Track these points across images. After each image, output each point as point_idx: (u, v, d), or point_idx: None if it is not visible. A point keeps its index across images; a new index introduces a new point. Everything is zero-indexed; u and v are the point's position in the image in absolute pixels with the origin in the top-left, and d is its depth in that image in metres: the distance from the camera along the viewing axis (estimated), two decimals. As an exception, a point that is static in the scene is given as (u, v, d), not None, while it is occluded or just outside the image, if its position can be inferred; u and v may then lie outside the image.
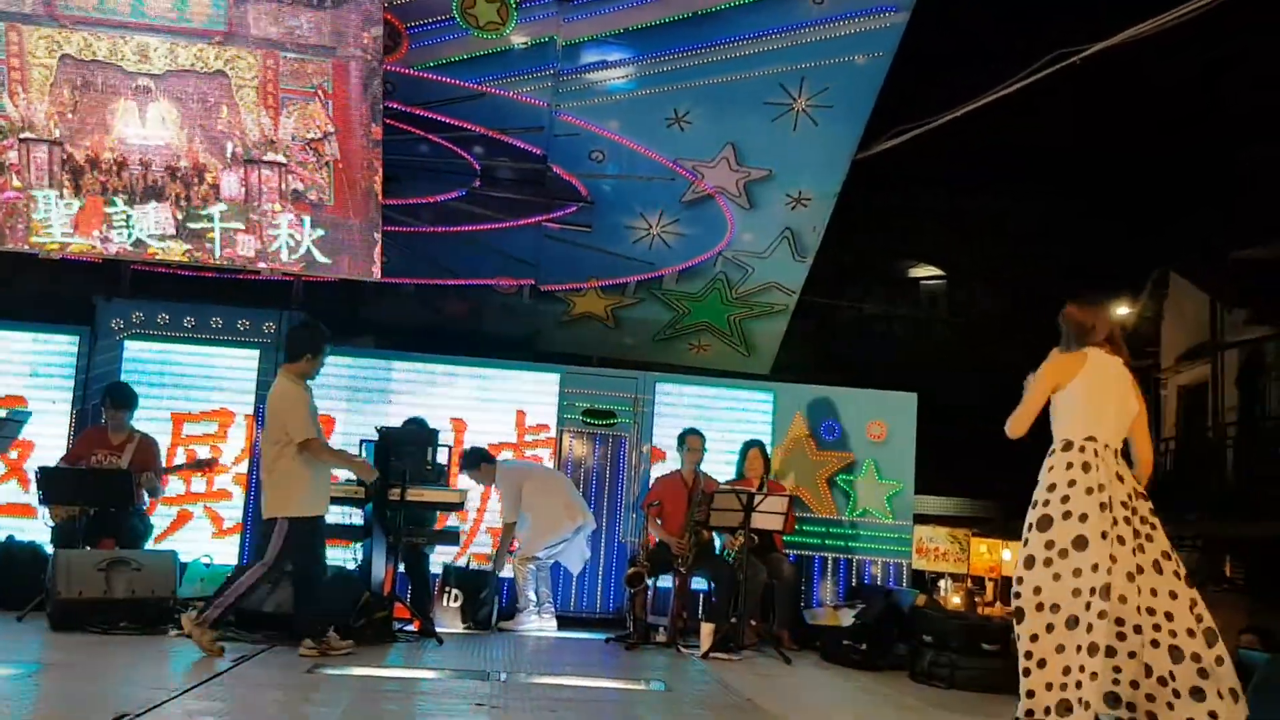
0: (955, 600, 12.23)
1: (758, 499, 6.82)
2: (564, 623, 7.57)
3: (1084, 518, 4.05)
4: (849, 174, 8.25)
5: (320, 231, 7.68)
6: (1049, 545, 4.10)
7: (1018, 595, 4.15)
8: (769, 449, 7.94)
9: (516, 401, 8.13)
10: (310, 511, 5.64)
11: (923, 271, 16.34)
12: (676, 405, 8.40)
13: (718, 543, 7.24)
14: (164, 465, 7.12)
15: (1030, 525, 4.18)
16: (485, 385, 8.20)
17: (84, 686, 4.44)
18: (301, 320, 6.62)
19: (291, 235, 7.75)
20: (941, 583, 12.95)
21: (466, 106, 7.86)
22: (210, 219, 7.71)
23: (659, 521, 7.29)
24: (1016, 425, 4.32)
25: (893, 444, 8.40)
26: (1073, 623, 3.97)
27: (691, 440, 7.47)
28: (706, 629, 6.53)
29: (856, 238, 8.87)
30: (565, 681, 5.37)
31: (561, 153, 8.20)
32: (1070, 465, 4.15)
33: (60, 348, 7.87)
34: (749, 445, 7.66)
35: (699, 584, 7.35)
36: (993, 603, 12.42)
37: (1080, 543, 4.02)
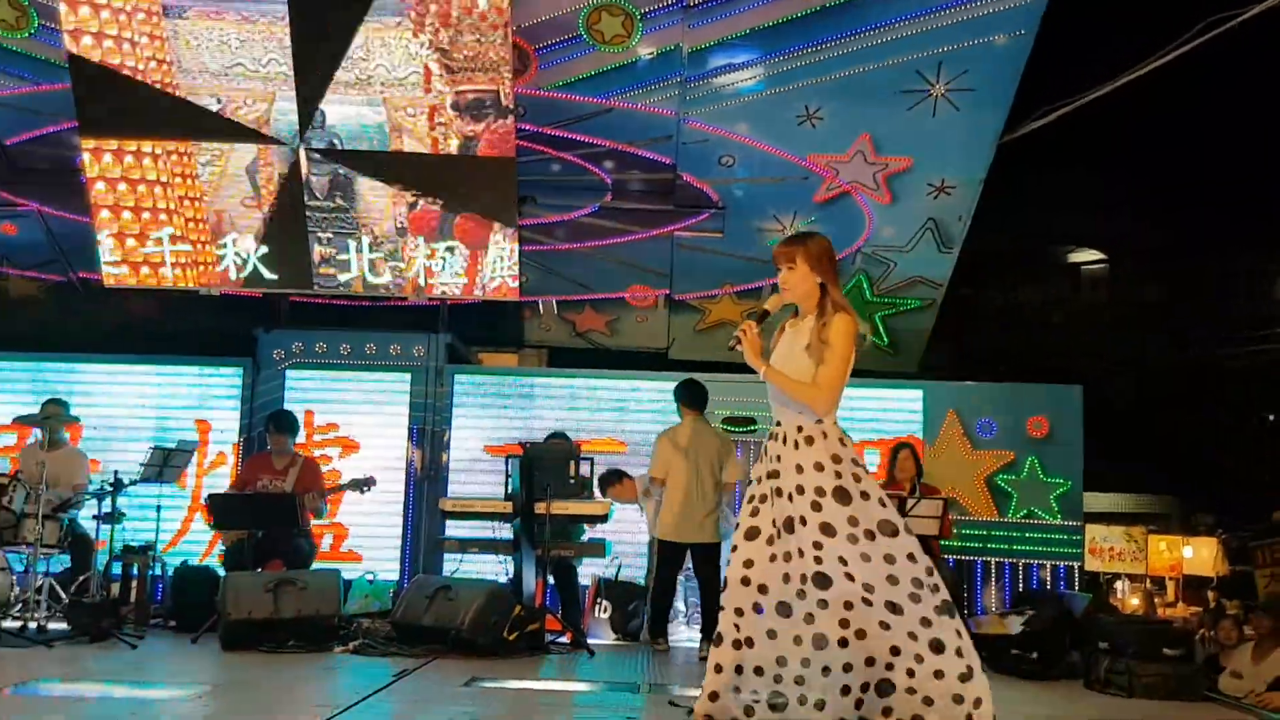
0: (1133, 602, 11.54)
1: (910, 503, 6.57)
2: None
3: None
4: (995, 158, 7.90)
5: (458, 257, 7.89)
6: None
7: None
8: (920, 450, 7.65)
9: (656, 412, 8.08)
10: None
11: (1081, 256, 15.56)
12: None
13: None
14: (325, 487, 7.37)
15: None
16: (625, 397, 8.20)
17: (254, 705, 4.60)
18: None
19: (430, 263, 8.02)
20: (1118, 584, 12.25)
21: (595, 122, 7.91)
22: (360, 250, 8.04)
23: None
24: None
25: (1056, 440, 7.98)
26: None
27: None
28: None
29: (1007, 224, 8.47)
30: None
31: (691, 160, 8.15)
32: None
33: (228, 380, 8.28)
34: (900, 448, 7.39)
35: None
36: (1174, 603, 11.68)
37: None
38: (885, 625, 3.40)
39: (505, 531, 6.78)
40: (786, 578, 3.46)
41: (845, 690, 3.42)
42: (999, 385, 8.20)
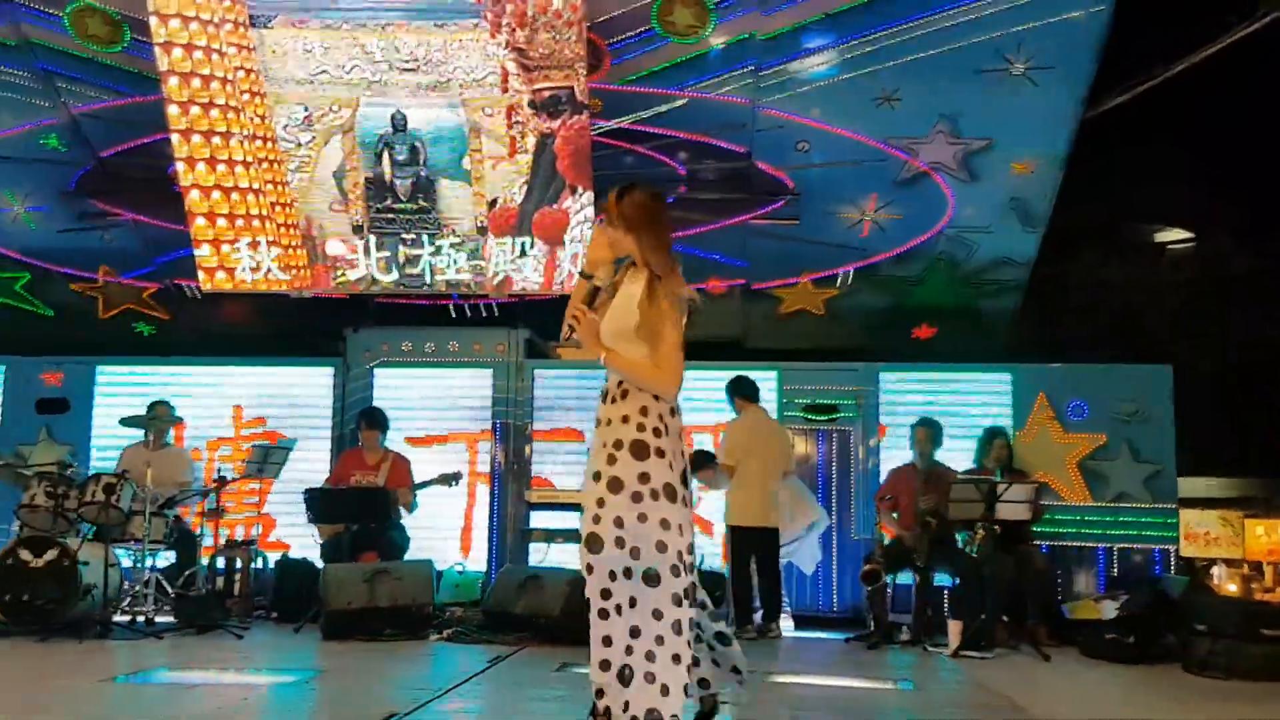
0: (1230, 588, 11.22)
1: (1000, 488, 6.50)
2: (799, 622, 7.47)
3: None
4: (1078, 134, 7.74)
5: (535, 254, 8.01)
6: None
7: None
8: (1010, 433, 7.55)
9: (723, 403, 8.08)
10: None
11: (1168, 235, 15.11)
12: (904, 394, 8.13)
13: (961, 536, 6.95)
14: (416, 481, 7.53)
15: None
16: (701, 387, 8.22)
17: (356, 690, 4.76)
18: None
19: (511, 261, 8.16)
20: (1215, 570, 11.91)
21: (670, 114, 7.94)
22: (440, 249, 8.21)
23: (894, 516, 7.08)
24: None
25: (1148, 422, 7.81)
26: None
27: (920, 430, 7.21)
28: (954, 626, 6.27)
29: (1092, 202, 8.27)
30: (808, 681, 5.29)
31: (765, 147, 8.13)
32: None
33: (318, 379, 8.52)
34: (990, 433, 7.32)
35: (942, 580, 7.07)
36: (1272, 589, 11.32)
37: None
38: (633, 601, 3.18)
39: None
40: (581, 536, 3.28)
41: (604, 665, 3.22)
42: (1088, 366, 8.04)
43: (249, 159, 7.96)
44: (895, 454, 7.76)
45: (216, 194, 8.04)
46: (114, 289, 9.11)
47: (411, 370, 8.46)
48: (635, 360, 3.32)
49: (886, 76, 7.50)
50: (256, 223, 8.15)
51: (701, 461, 7.30)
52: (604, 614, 3.20)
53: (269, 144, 7.94)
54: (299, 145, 7.95)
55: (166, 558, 7.12)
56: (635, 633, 3.17)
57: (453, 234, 8.18)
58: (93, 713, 4.17)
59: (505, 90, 7.61)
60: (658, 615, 3.16)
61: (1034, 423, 7.90)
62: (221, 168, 7.96)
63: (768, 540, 7.01)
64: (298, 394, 8.53)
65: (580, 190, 7.95)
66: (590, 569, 3.22)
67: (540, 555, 7.42)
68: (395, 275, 8.32)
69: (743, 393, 7.31)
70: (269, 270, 8.29)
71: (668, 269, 3.36)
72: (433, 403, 8.40)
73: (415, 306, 8.85)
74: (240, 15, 7.48)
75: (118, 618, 6.39)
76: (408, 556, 7.17)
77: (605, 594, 3.19)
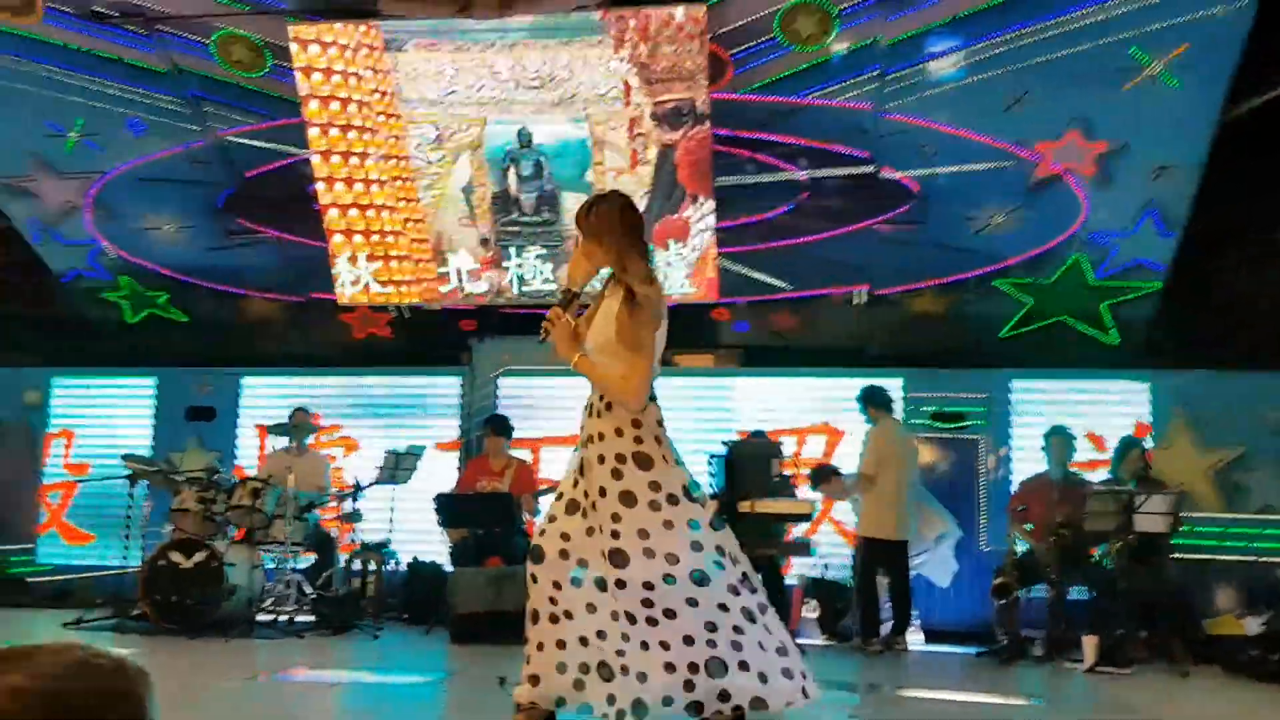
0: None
1: (1139, 499, 6.27)
2: (929, 636, 7.33)
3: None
4: (1218, 136, 7.41)
5: (656, 262, 8.05)
6: None
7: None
8: (1147, 442, 7.27)
9: (857, 410, 7.98)
10: None
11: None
12: (1035, 403, 7.91)
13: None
14: (539, 487, 7.67)
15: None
16: (824, 395, 8.16)
17: (481, 694, 4.88)
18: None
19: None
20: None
21: (791, 121, 7.92)
22: (565, 261, 8.34)
23: (1027, 528, 6.89)
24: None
25: (1294, 430, 7.41)
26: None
27: (1055, 440, 7.00)
28: (1089, 642, 6.07)
29: (1233, 205, 7.88)
30: (938, 696, 5.19)
31: (889, 153, 8.02)
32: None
33: (447, 389, 8.77)
34: (1126, 442, 7.06)
35: (1077, 593, 6.84)
36: None
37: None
38: (692, 601, 3.16)
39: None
40: (604, 553, 3.26)
41: (669, 667, 3.15)
42: (1229, 374, 7.68)
43: (383, 178, 8.28)
44: (1026, 465, 7.55)
45: (353, 212, 8.37)
46: (257, 303, 9.56)
47: (534, 379, 8.61)
48: (604, 371, 3.36)
49: (1015, 79, 7.32)
50: (390, 238, 8.46)
51: (826, 475, 7.25)
52: (653, 621, 3.17)
53: (401, 163, 8.23)
54: (429, 163, 8.23)
55: (306, 560, 7.42)
56: (711, 627, 3.17)
57: (577, 245, 8.32)
58: (238, 710, 4.39)
59: (628, 104, 7.72)
60: (724, 608, 3.18)
61: (1172, 431, 7.59)
62: (358, 186, 8.29)
63: (898, 553, 6.92)
64: (427, 402, 8.79)
65: (701, 199, 7.99)
66: (621, 584, 3.19)
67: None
68: (520, 286, 8.50)
69: (878, 402, 7.22)
70: (401, 284, 8.58)
71: (643, 277, 3.38)
72: (555, 410, 8.53)
73: (538, 316, 9.01)
74: (376, 40, 7.77)
75: (261, 617, 6.69)
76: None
77: (647, 603, 3.17)
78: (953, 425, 7.94)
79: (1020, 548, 6.92)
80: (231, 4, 7.70)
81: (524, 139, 8.03)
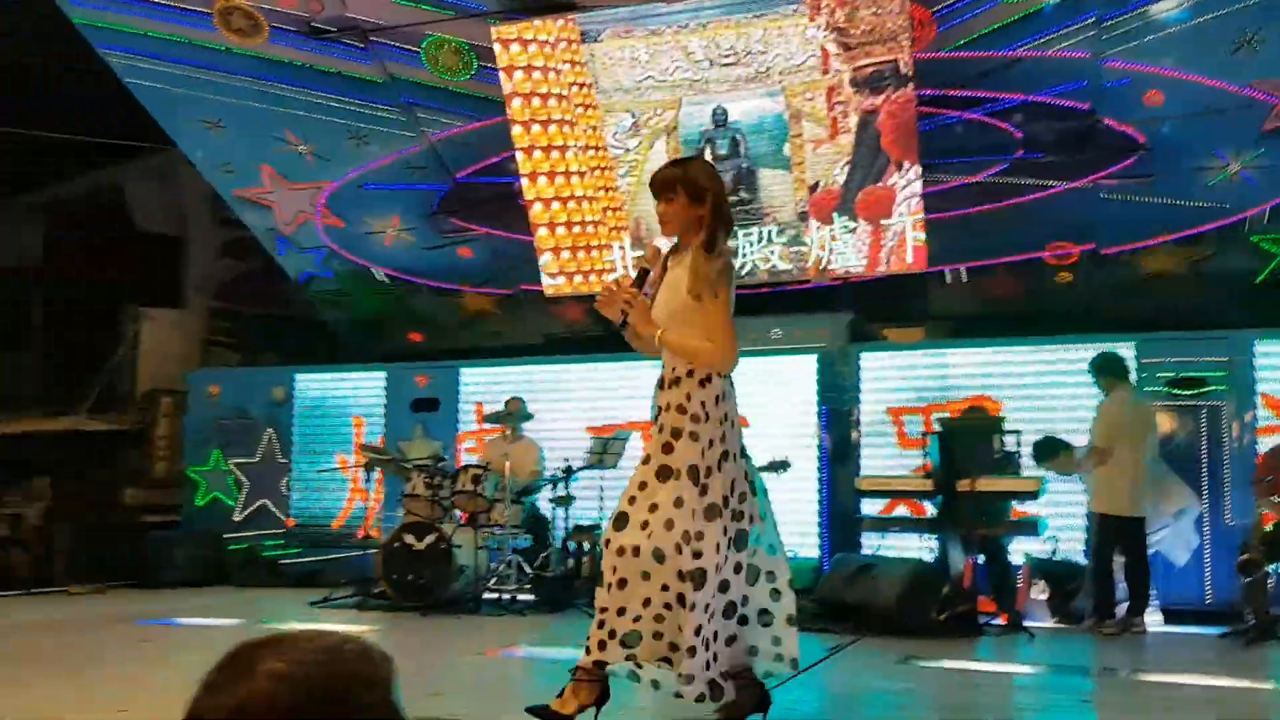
0: None
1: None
2: (1169, 616, 6.81)
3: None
4: None
5: (859, 234, 7.86)
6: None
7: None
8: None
9: (1085, 379, 7.50)
10: None
11: None
12: (1283, 365, 7.19)
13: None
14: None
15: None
16: (1045, 365, 7.70)
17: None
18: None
19: (831, 244, 8.06)
20: None
21: (1001, 77, 7.52)
22: (763, 239, 8.28)
23: (1275, 500, 6.29)
24: None
25: None
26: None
27: None
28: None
29: None
30: (1178, 680, 4.83)
31: (1110, 103, 7.49)
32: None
33: (644, 374, 8.82)
34: None
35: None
36: None
37: None
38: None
39: (927, 509, 6.66)
40: (670, 524, 3.22)
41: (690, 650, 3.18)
42: None
43: (583, 169, 8.46)
44: (1273, 432, 6.89)
45: (556, 204, 8.60)
46: (471, 298, 10.00)
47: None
48: (689, 341, 3.33)
49: (1245, 18, 6.68)
50: (590, 228, 8.64)
51: (1051, 449, 6.85)
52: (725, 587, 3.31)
53: (600, 152, 8.38)
54: (626, 151, 8.34)
55: (525, 541, 7.69)
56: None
57: (774, 222, 8.23)
58: (471, 682, 4.61)
59: (826, 72, 7.56)
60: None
61: None
62: (560, 179, 8.51)
63: (1134, 530, 6.46)
64: (629, 388, 8.91)
65: (906, 165, 7.72)
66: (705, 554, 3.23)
67: (874, 544, 7.29)
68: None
69: (1111, 371, 6.71)
70: (604, 273, 8.75)
71: (728, 232, 3.45)
72: (756, 391, 8.45)
73: (737, 297, 8.97)
74: (573, 33, 7.94)
75: (486, 595, 7.00)
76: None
77: (681, 577, 3.24)
78: (1192, 391, 7.33)
79: (1268, 521, 6.32)
80: (438, 10, 8.05)
81: (719, 118, 8.00)
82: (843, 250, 8.11)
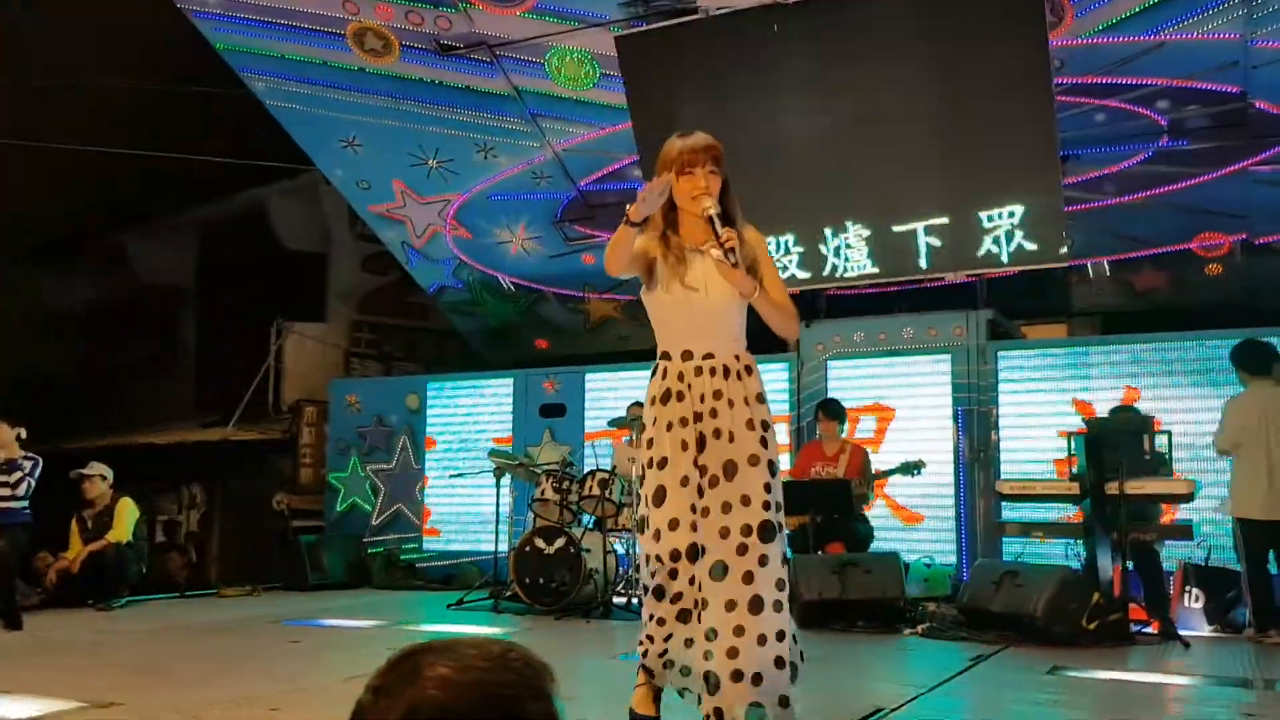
0: None
1: None
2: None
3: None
4: None
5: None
6: None
7: None
8: None
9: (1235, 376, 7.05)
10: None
11: None
12: None
13: None
14: (875, 472, 7.48)
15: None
16: (1199, 362, 7.29)
17: (836, 681, 4.81)
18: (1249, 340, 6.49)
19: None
20: None
21: (1145, 61, 7.17)
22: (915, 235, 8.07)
23: None
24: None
25: None
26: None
27: None
28: None
29: None
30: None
31: (1264, 84, 7.06)
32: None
33: (776, 374, 8.77)
34: None
35: None
36: None
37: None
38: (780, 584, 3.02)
39: (1074, 514, 6.39)
40: (725, 532, 2.94)
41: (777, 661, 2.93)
42: None
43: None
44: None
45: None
46: (596, 304, 10.10)
47: (865, 360, 8.39)
48: (781, 300, 3.15)
49: None
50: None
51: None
52: (778, 606, 3.00)
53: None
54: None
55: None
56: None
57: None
58: (602, 686, 4.62)
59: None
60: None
61: None
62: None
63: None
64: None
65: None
66: (764, 560, 2.94)
67: (1017, 550, 7.04)
68: (844, 269, 8.30)
69: (1244, 363, 6.28)
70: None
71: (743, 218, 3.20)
72: (889, 393, 8.28)
73: (868, 296, 8.81)
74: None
75: (615, 599, 7.03)
76: (872, 548, 7.15)
77: (780, 585, 3.00)
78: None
79: None
80: (561, 22, 8.16)
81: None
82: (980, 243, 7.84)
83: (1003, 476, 7.44)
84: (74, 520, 8.10)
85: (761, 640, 2.90)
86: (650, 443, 3.08)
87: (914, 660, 5.47)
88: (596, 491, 7.16)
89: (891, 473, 7.36)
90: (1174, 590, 6.58)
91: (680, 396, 3.05)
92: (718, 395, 3.03)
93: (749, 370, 3.10)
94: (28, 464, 7.28)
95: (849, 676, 4.88)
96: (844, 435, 7.62)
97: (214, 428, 11.91)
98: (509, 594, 7.28)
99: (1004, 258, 7.58)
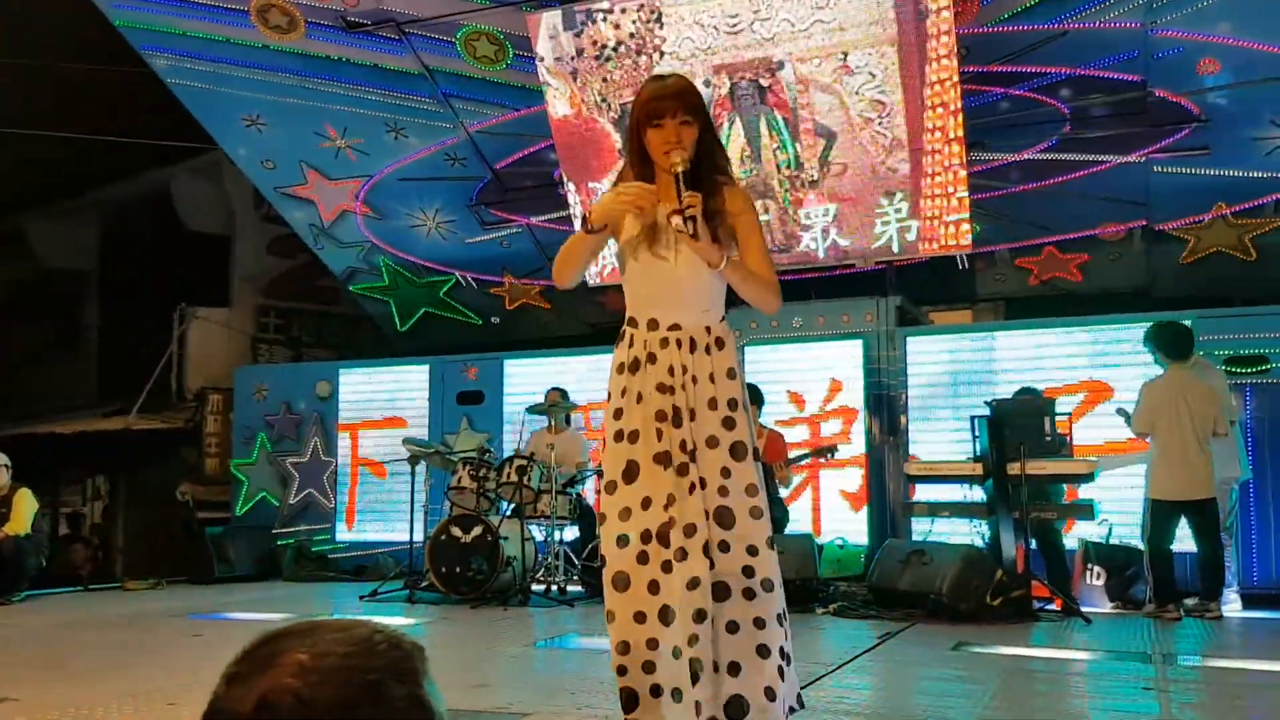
0: None
1: None
2: (1248, 601, 6.60)
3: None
4: None
5: (906, 213, 7.68)
6: None
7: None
8: None
9: (1142, 359, 7.29)
10: None
11: None
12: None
13: None
14: (789, 456, 7.55)
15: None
16: (1102, 346, 7.51)
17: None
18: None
19: (885, 225, 7.89)
20: None
21: (1048, 50, 7.33)
22: (811, 220, 8.13)
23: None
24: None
25: None
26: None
27: None
28: None
29: None
30: (1248, 665, 4.67)
31: (1163, 73, 7.28)
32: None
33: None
34: None
35: None
36: None
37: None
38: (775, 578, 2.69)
39: (977, 494, 6.53)
40: (708, 513, 2.66)
41: (763, 651, 2.63)
42: None
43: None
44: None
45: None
46: (514, 289, 9.99)
47: (779, 346, 8.45)
48: (760, 271, 2.78)
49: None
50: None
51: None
52: (750, 594, 2.67)
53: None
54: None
55: (572, 532, 7.67)
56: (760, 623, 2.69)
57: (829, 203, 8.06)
58: (518, 674, 4.58)
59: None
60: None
61: None
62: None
63: (1197, 512, 6.24)
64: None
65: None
66: (725, 546, 2.66)
67: (924, 530, 7.17)
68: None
69: (1162, 346, 6.38)
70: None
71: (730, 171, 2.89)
72: (802, 378, 8.36)
73: (780, 284, 8.86)
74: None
75: (535, 587, 6.98)
76: (787, 531, 7.22)
77: (748, 571, 2.67)
78: (1253, 369, 7.11)
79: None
80: (473, 0, 8.02)
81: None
82: (887, 232, 7.96)
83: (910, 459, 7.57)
84: (-33, 511, 7.76)
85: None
86: (618, 413, 2.78)
87: (825, 639, 5.54)
88: (514, 478, 7.09)
89: (805, 457, 7.42)
90: (1075, 568, 6.77)
91: (652, 359, 2.76)
92: (684, 370, 2.74)
93: (720, 344, 2.78)
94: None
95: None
96: (760, 420, 7.66)
97: (116, 416, 11.52)
98: (425, 584, 7.18)
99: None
